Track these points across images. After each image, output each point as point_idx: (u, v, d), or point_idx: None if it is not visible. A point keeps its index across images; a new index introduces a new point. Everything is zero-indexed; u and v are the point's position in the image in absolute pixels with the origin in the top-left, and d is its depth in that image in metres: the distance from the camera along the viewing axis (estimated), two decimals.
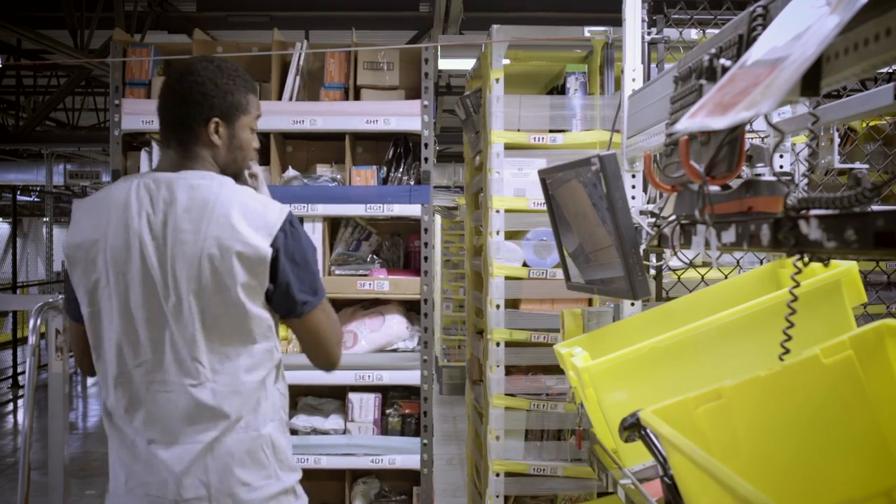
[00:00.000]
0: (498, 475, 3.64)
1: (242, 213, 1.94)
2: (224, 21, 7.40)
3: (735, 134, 1.38)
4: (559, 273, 3.46)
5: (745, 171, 1.45)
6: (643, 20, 2.69)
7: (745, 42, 1.43)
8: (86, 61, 7.29)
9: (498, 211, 3.65)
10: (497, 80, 3.65)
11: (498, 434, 3.64)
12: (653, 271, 2.81)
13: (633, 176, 2.66)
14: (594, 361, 2.04)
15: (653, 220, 2.19)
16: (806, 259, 1.31)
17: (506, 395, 3.68)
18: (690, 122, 1.25)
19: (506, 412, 3.67)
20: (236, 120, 2.06)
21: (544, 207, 3.45)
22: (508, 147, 3.69)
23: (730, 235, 1.49)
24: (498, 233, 3.67)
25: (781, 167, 2.22)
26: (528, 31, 3.85)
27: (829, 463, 1.57)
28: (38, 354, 3.32)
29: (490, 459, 3.66)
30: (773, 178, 1.40)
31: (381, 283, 3.80)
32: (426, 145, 3.80)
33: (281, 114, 3.81)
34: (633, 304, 2.62)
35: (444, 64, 6.30)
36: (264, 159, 3.92)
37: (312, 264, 2.05)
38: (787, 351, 1.65)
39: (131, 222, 1.96)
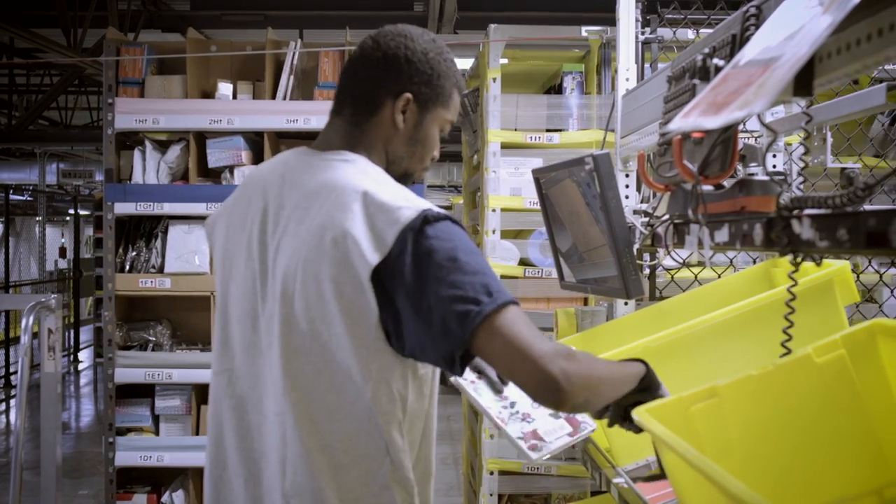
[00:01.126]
0: (492, 473, 3.65)
1: (363, 206, 1.49)
2: (218, 20, 7.40)
3: (728, 133, 1.39)
4: (555, 272, 3.47)
5: (739, 171, 1.45)
6: (637, 20, 2.69)
7: (738, 42, 1.43)
8: (79, 60, 7.28)
9: (494, 210, 3.66)
10: (494, 79, 3.66)
11: (492, 432, 3.64)
12: (646, 270, 2.81)
13: (627, 175, 2.66)
14: None
15: (646, 219, 2.19)
16: (798, 258, 1.32)
17: None
18: (683, 121, 1.25)
19: None
20: (432, 108, 1.66)
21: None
22: (505, 146, 3.70)
23: (723, 235, 1.50)
24: (494, 232, 3.67)
25: (775, 167, 2.22)
26: (526, 31, 3.86)
27: (821, 461, 1.58)
28: (30, 354, 3.31)
29: (484, 458, 3.66)
30: (766, 178, 1.40)
31: None
32: None
33: (275, 113, 3.81)
34: (626, 304, 2.62)
35: None
36: (257, 159, 3.92)
37: (470, 263, 1.46)
38: (789, 351, 1.65)
39: (253, 199, 1.64)
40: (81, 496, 6.28)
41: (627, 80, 2.66)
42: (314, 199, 1.54)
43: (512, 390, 1.88)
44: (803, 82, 1.17)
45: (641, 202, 2.56)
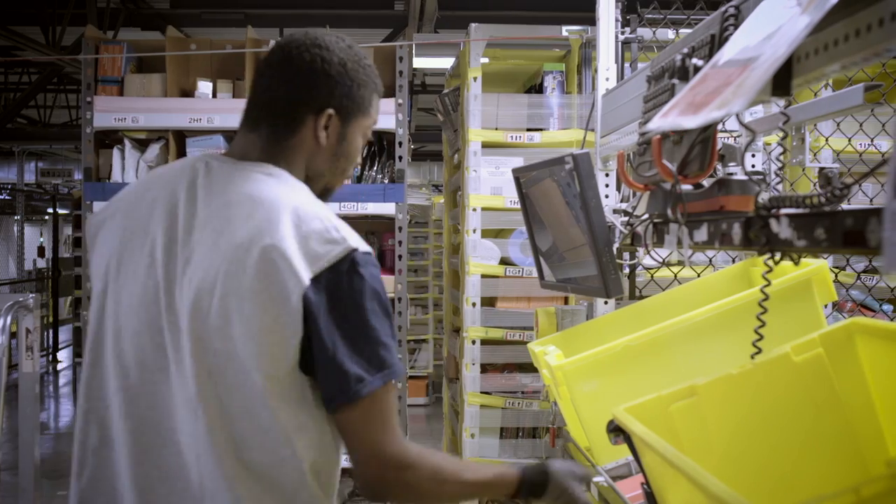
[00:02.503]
0: None
1: (295, 228, 1.42)
2: (198, 18, 7.36)
3: (707, 133, 1.39)
4: (535, 271, 3.47)
5: (719, 170, 1.46)
6: (617, 20, 2.70)
7: (717, 42, 1.44)
8: (57, 58, 7.22)
9: (475, 209, 3.66)
10: (475, 78, 3.65)
11: (473, 432, 3.65)
12: (626, 270, 2.82)
13: (607, 175, 2.67)
14: (567, 360, 2.04)
15: (626, 218, 2.19)
16: (777, 257, 1.32)
17: (481, 392, 3.69)
18: (663, 121, 1.25)
19: (481, 410, 3.68)
20: (354, 119, 1.59)
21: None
22: (486, 145, 3.70)
23: (702, 234, 1.50)
24: (475, 231, 3.67)
25: (753, 166, 2.24)
26: (507, 30, 3.86)
27: (799, 459, 1.59)
28: (8, 354, 3.28)
29: (465, 457, 3.66)
30: (744, 178, 1.41)
31: None
32: (400, 143, 3.79)
33: None
34: (606, 303, 2.63)
35: (420, 62, 6.29)
36: None
37: (377, 329, 1.44)
38: (759, 350, 1.66)
39: (157, 203, 1.51)
40: (60, 497, 6.23)
41: (607, 79, 2.66)
42: (236, 209, 1.44)
43: None
44: (781, 82, 1.18)
45: (621, 201, 2.57)
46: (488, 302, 3.81)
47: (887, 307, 3.00)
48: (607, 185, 2.65)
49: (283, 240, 1.39)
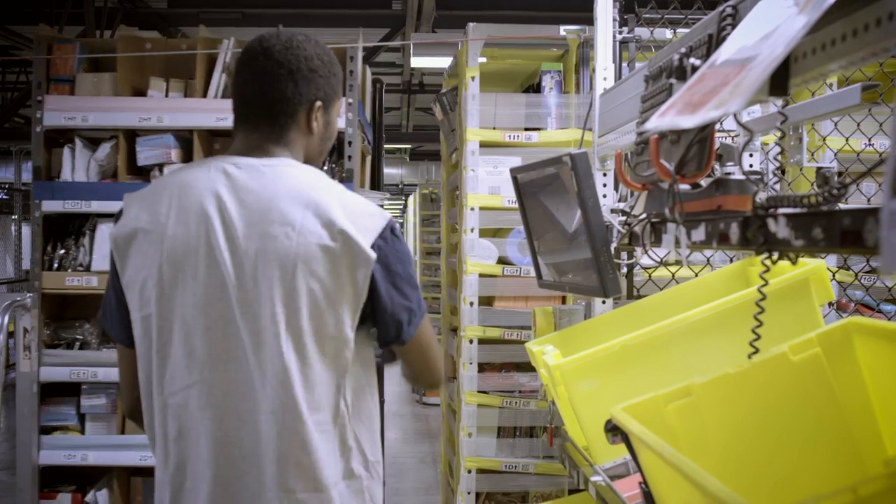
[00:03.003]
0: (470, 472, 3.65)
1: (343, 209, 1.65)
2: (196, 18, 7.35)
3: (705, 133, 1.39)
4: (533, 271, 3.48)
5: (717, 169, 1.46)
6: (614, 19, 2.70)
7: (714, 41, 1.44)
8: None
9: (473, 208, 3.66)
10: (473, 77, 3.65)
11: (470, 431, 3.65)
12: (624, 269, 2.82)
13: (605, 174, 2.67)
14: (565, 359, 2.04)
15: (623, 218, 2.19)
16: (774, 257, 1.32)
17: (478, 392, 3.69)
18: (660, 120, 1.25)
19: (478, 409, 3.68)
20: (332, 104, 1.81)
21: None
22: (483, 145, 3.70)
23: (699, 234, 1.50)
24: (472, 230, 3.67)
25: (751, 166, 2.24)
26: (504, 30, 3.86)
27: (797, 459, 1.59)
28: (6, 353, 3.28)
29: (462, 456, 3.66)
30: (742, 177, 1.41)
31: None
32: (350, 143, 3.79)
33: (204, 111, 3.79)
34: (604, 302, 2.63)
35: (417, 62, 6.29)
36: (187, 157, 3.90)
37: (415, 277, 1.77)
38: (757, 350, 1.66)
39: (205, 209, 1.65)
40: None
41: (605, 79, 2.67)
42: (288, 203, 1.64)
43: None
44: (779, 82, 1.18)
45: (619, 201, 2.57)
46: (486, 301, 3.81)
47: (889, 307, 3.00)
48: (605, 185, 2.65)
49: (345, 223, 1.63)
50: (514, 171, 2.54)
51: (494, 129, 3.72)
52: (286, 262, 1.61)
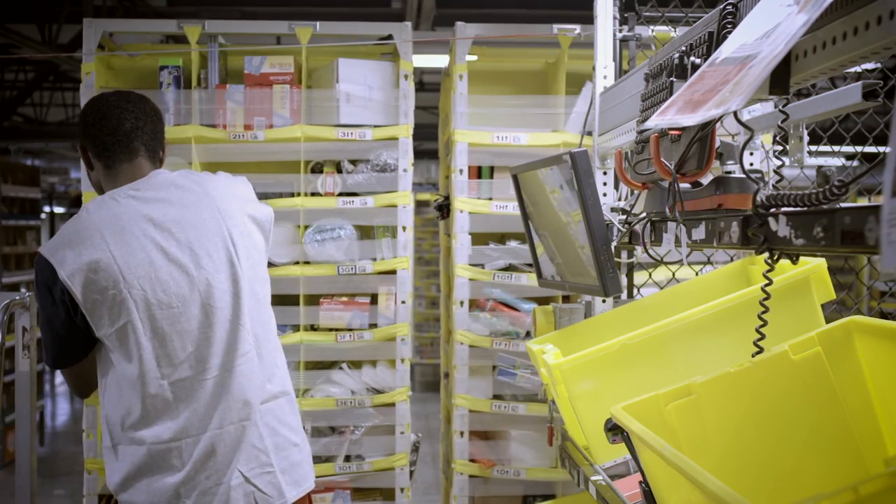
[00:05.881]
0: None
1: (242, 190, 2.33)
2: (195, 16, 7.34)
3: (706, 131, 1.39)
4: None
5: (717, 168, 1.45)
6: (615, 17, 2.69)
7: (715, 40, 1.43)
8: (54, 56, 7.20)
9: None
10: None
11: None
12: (624, 268, 2.82)
13: (605, 173, 2.66)
14: (565, 358, 2.04)
15: (624, 217, 2.19)
16: (775, 256, 1.32)
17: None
18: (660, 119, 1.25)
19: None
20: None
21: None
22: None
23: (700, 232, 1.50)
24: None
25: (752, 164, 2.23)
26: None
27: (797, 458, 1.59)
28: (2, 352, 3.27)
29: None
30: (742, 176, 1.41)
31: None
32: None
33: None
34: (604, 301, 2.63)
35: (417, 60, 6.26)
36: None
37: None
38: (761, 350, 1.66)
39: (149, 232, 2.11)
40: (57, 496, 6.23)
41: (605, 77, 2.66)
42: (197, 204, 2.18)
43: None
44: (779, 80, 1.17)
45: (619, 200, 2.57)
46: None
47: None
48: (605, 184, 2.65)
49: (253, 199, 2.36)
50: (514, 170, 2.53)
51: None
52: (214, 238, 2.22)
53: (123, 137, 2.17)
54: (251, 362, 2.13)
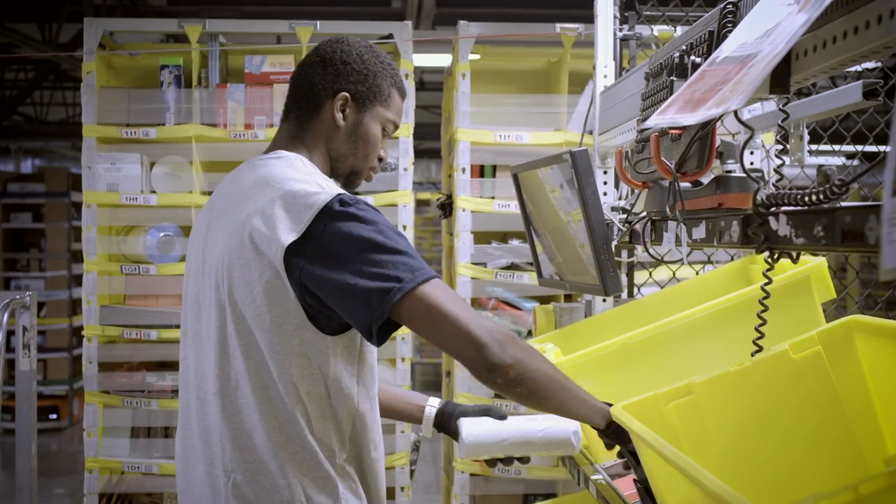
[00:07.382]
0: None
1: (282, 194, 1.58)
2: (195, 15, 7.33)
3: (706, 130, 1.39)
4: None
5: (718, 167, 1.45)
6: (615, 17, 2.69)
7: (715, 39, 1.43)
8: (54, 55, 7.21)
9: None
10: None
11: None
12: (624, 267, 2.82)
13: (605, 172, 2.66)
14: (566, 357, 2.04)
15: (624, 216, 2.19)
16: (775, 255, 1.32)
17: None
18: (661, 118, 1.25)
19: None
20: (370, 106, 1.74)
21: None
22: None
23: (700, 231, 1.50)
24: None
25: (752, 164, 2.23)
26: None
27: (798, 457, 1.59)
28: (4, 352, 3.27)
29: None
30: (743, 175, 1.41)
31: None
32: None
33: None
34: (604, 301, 2.63)
35: (418, 60, 6.27)
36: None
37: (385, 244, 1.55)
38: (761, 349, 1.66)
39: (202, 215, 1.76)
40: (57, 495, 6.23)
41: (605, 76, 2.66)
42: (246, 194, 1.64)
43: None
44: (780, 79, 1.17)
45: (619, 199, 2.57)
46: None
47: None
48: (605, 183, 2.65)
49: (271, 212, 1.56)
50: (514, 170, 2.53)
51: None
52: (225, 248, 1.62)
53: None
54: None
